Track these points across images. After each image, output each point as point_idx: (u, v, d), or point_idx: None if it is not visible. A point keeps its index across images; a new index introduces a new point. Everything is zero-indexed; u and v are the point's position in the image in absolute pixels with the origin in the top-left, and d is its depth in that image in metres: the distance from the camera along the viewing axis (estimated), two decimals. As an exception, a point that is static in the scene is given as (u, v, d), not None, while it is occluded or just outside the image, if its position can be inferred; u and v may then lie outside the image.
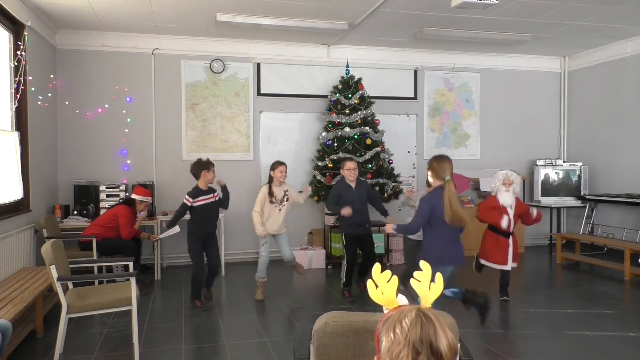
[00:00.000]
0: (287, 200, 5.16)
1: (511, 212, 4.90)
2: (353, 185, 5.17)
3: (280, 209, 5.11)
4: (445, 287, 3.99)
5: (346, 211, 4.93)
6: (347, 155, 6.52)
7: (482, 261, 5.08)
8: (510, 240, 4.94)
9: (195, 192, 4.80)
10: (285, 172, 5.13)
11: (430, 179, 3.88)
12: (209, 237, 4.93)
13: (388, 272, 1.33)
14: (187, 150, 6.95)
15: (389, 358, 1.14)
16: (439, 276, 1.32)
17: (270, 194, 5.09)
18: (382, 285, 1.31)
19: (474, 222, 4.83)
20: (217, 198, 4.93)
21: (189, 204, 4.76)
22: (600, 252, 7.34)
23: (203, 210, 4.80)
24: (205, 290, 5.04)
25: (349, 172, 5.14)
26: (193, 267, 4.90)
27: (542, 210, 7.93)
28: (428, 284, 1.30)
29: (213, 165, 4.92)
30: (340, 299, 5.23)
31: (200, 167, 4.82)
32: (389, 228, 3.98)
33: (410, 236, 4.80)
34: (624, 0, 5.40)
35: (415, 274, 1.33)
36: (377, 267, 1.34)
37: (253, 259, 7.03)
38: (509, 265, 4.96)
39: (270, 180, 5.14)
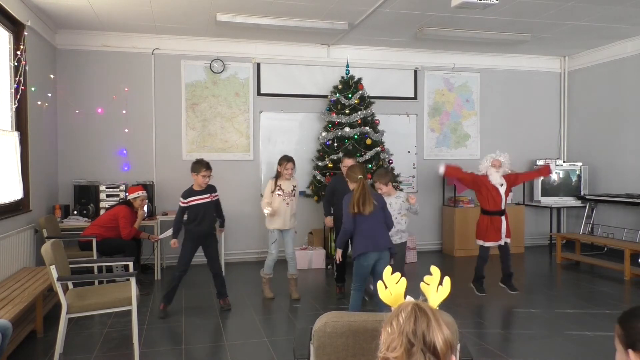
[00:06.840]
0: (294, 195, 5.17)
1: (502, 189, 5.17)
2: None
3: (288, 203, 5.11)
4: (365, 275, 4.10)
5: (328, 222, 5.33)
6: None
7: (480, 242, 5.26)
8: (504, 218, 5.21)
9: (188, 193, 4.77)
10: (292, 169, 5.12)
11: (350, 185, 4.20)
12: (206, 238, 4.81)
13: (397, 275, 1.38)
14: (187, 150, 6.95)
15: (385, 349, 1.18)
16: (447, 280, 1.37)
17: (278, 186, 5.10)
18: (391, 286, 1.37)
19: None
20: (213, 199, 4.85)
21: (182, 204, 4.75)
22: (600, 252, 7.34)
23: (197, 210, 4.73)
24: (221, 301, 4.92)
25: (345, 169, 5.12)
26: (177, 264, 4.80)
27: (542, 210, 8.02)
28: (436, 287, 1.36)
29: (205, 167, 4.73)
30: (340, 299, 5.22)
31: (192, 169, 4.79)
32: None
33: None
34: (624, 0, 5.40)
35: (425, 278, 1.39)
36: (387, 269, 1.41)
37: (253, 259, 7.05)
38: (503, 240, 5.21)
39: (278, 174, 5.16)
